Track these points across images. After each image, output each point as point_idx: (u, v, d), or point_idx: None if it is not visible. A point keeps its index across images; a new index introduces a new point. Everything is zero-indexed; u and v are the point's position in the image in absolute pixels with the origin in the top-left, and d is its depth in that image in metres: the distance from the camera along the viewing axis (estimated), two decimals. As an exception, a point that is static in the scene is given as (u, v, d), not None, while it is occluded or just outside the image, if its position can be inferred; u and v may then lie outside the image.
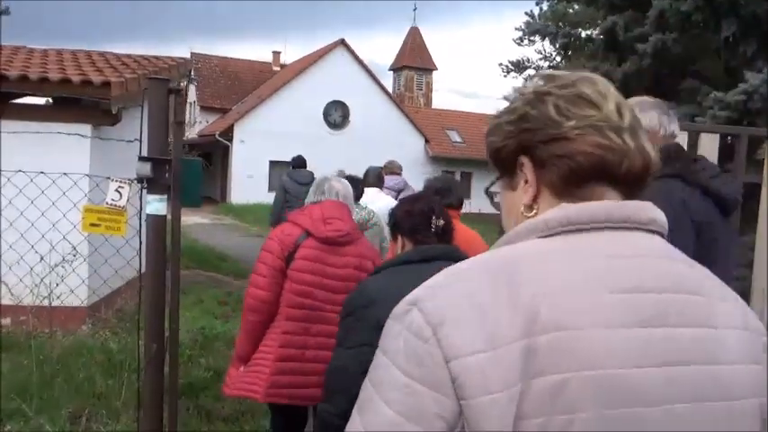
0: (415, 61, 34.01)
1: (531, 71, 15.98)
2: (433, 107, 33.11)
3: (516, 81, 17.31)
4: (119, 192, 2.73)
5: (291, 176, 6.89)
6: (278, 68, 31.74)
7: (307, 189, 6.38)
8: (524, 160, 0.82)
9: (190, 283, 7.57)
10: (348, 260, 2.71)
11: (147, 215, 2.70)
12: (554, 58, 15.33)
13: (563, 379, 0.66)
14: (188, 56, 29.97)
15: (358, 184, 4.22)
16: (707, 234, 1.97)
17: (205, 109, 29.56)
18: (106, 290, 5.30)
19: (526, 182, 0.82)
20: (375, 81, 27.66)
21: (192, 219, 18.47)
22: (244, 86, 30.34)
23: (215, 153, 27.24)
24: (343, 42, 26.97)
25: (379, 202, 4.34)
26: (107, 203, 2.72)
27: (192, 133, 30.48)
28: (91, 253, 4.41)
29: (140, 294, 2.77)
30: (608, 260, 0.74)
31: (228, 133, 25.11)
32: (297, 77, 26.33)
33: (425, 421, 0.67)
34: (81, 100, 4.93)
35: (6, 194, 3.74)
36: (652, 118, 2.06)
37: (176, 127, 2.85)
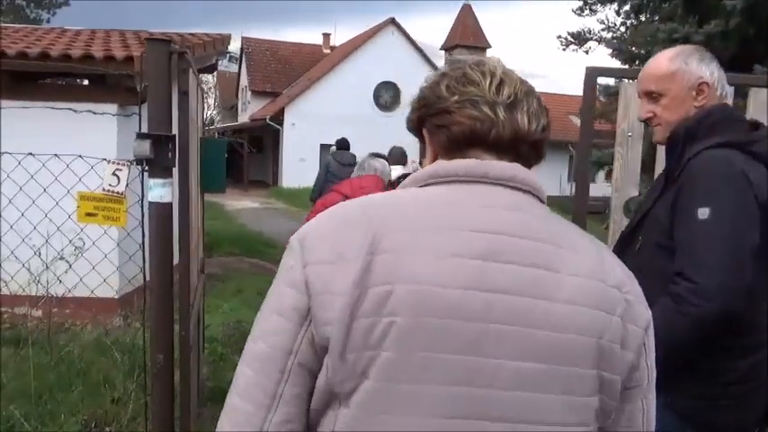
0: (467, 39, 32.88)
1: (592, 43, 14.94)
2: (486, 86, 32.01)
3: (576, 54, 16.31)
4: (116, 175, 2.32)
5: (335, 157, 7.36)
6: (328, 51, 31.34)
7: (349, 170, 7.16)
8: (424, 131, 1.00)
9: (231, 270, 7.28)
10: None
11: (150, 203, 2.29)
12: (618, 28, 14.28)
13: (389, 290, 0.81)
14: (238, 40, 30.06)
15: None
16: None
17: (256, 93, 29.50)
18: (139, 279, 5.00)
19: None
20: (426, 61, 26.93)
21: (241, 203, 18.41)
22: (294, 70, 30.09)
23: (266, 137, 27.23)
24: (393, 22, 26.33)
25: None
26: (103, 189, 2.32)
27: (243, 117, 30.59)
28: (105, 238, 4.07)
29: (144, 296, 2.37)
30: (457, 205, 0.88)
31: (279, 117, 24.95)
32: (347, 59, 25.88)
33: (285, 312, 0.85)
34: (106, 78, 4.61)
35: (19, 180, 3.41)
36: (713, 72, 1.73)
37: (182, 97, 2.42)
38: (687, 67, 1.72)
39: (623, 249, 1.82)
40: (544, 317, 0.82)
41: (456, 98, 0.92)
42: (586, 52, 15.71)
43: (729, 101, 1.84)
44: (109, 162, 2.31)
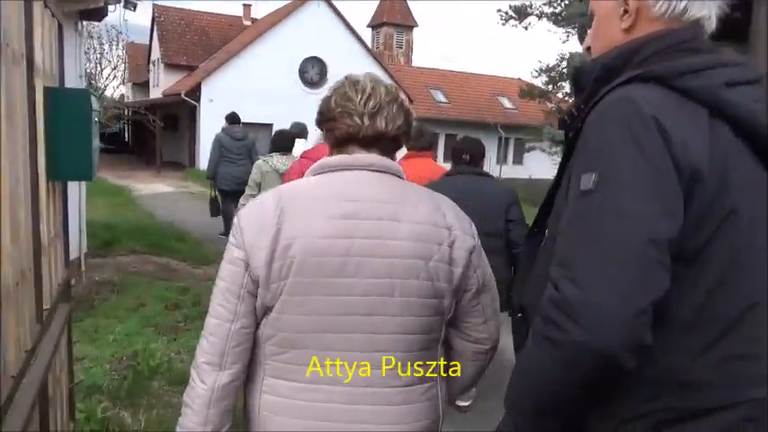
0: (394, 18, 31.99)
1: (533, 18, 14.23)
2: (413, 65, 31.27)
3: (516, 29, 15.64)
4: None
5: (227, 132, 7.67)
6: (249, 23, 29.43)
7: (241, 144, 7.81)
8: (324, 132, 1.51)
9: (131, 275, 5.83)
10: None
11: None
12: (559, 3, 13.62)
13: (290, 242, 1.32)
14: (149, 9, 27.55)
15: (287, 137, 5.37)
16: (717, 194, 1.06)
17: (170, 66, 27.23)
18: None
19: None
20: (354, 36, 25.66)
21: (152, 187, 16.58)
22: (212, 42, 28.00)
23: (181, 114, 25.22)
24: (319, -8, 24.81)
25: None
26: None
27: (156, 93, 28.19)
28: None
29: None
30: (335, 185, 1.40)
31: (196, 92, 23.00)
32: (269, 32, 24.18)
33: (235, 262, 1.35)
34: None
35: None
36: None
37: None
38: None
39: (533, 246, 1.36)
40: (387, 250, 1.35)
41: (339, 110, 1.44)
42: (525, 28, 15.07)
43: (707, 23, 1.20)
44: None
